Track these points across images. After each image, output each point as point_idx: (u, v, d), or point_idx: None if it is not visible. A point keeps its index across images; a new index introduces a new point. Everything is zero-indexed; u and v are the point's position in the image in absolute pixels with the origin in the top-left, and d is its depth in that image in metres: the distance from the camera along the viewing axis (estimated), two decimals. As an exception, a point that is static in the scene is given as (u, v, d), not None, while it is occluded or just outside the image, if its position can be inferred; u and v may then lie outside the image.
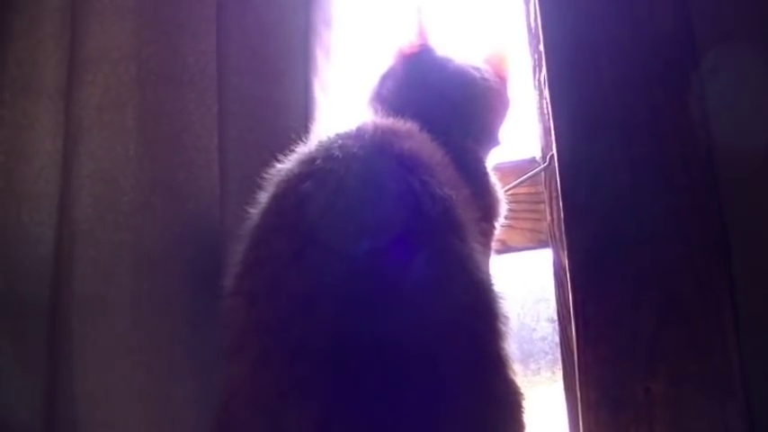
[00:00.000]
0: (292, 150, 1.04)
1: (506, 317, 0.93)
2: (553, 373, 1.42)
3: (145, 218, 1.29)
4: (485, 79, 1.23)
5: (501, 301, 0.94)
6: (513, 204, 1.24)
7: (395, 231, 0.89)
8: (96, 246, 1.27)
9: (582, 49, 1.19)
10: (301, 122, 1.30)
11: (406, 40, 1.23)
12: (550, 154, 1.32)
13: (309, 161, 0.97)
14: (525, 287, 1.49)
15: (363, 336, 0.84)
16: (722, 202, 1.10)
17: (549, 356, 1.45)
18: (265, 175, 1.03)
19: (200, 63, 1.35)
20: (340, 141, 0.97)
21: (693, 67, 1.15)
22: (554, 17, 1.23)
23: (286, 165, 1.01)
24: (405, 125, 1.05)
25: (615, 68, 1.17)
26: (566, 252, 1.17)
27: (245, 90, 1.31)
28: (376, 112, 1.17)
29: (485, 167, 1.20)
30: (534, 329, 1.49)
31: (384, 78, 1.24)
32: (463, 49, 1.29)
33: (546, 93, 1.37)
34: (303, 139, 1.10)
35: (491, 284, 0.94)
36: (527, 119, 1.41)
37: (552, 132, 1.20)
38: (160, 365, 1.25)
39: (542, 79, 1.40)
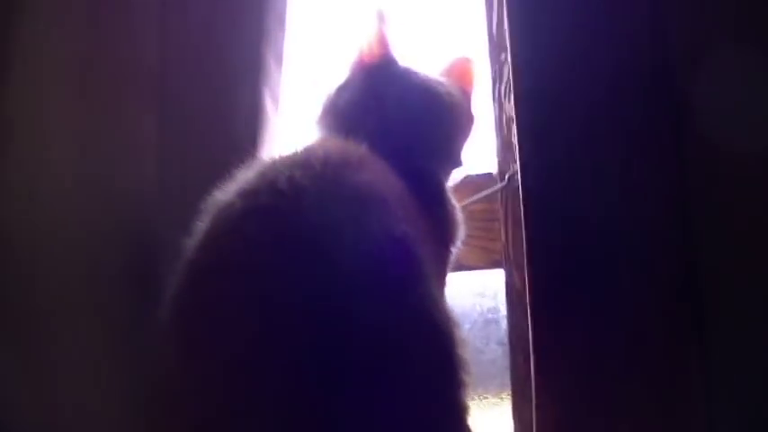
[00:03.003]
0: (232, 175, 0.94)
1: (467, 363, 0.86)
2: (501, 399, 1.37)
3: (75, 219, 1.19)
4: (450, 94, 1.15)
5: (461, 344, 0.87)
6: (466, 221, 1.17)
7: (354, 285, 0.81)
8: (21, 249, 1.17)
9: (555, 64, 1.13)
10: (248, 133, 1.23)
11: (365, 48, 1.14)
12: (510, 173, 1.28)
13: (252, 195, 0.87)
14: (475, 307, 1.44)
15: (318, 403, 0.76)
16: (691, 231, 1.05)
17: (497, 381, 1.40)
18: (202, 205, 0.93)
19: (141, 63, 1.26)
20: (287, 173, 0.87)
21: (667, 75, 1.10)
22: (526, 26, 1.15)
23: (225, 195, 0.90)
24: (357, 152, 0.96)
25: (586, 84, 1.11)
26: (526, 277, 1.11)
27: (187, 96, 1.24)
28: (330, 126, 1.10)
29: (445, 192, 1.13)
30: (483, 352, 1.45)
31: (340, 89, 1.14)
32: (424, 59, 1.22)
33: (507, 106, 1.36)
34: (245, 158, 1.01)
35: (451, 325, 0.87)
36: (484, 132, 1.34)
37: (516, 150, 1.14)
38: (85, 376, 1.16)
39: (503, 91, 1.38)
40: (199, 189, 0.98)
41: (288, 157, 0.93)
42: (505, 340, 1.35)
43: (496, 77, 1.39)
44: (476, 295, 1.43)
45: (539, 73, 1.13)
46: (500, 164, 1.36)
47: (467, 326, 1.35)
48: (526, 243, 1.10)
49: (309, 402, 0.76)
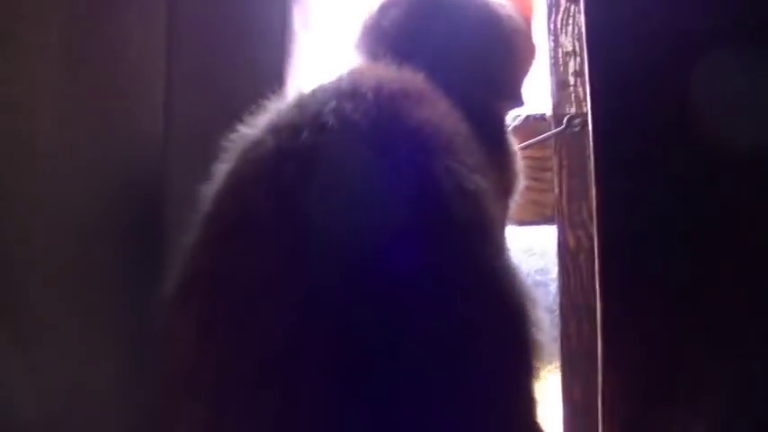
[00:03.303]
0: (261, 106, 0.78)
1: (541, 347, 0.73)
2: (547, 373, 1.23)
3: (67, 162, 1.05)
4: (512, 18, 0.99)
5: (536, 324, 0.73)
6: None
7: (416, 243, 0.66)
8: (2, 197, 1.04)
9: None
10: (275, 57, 1.06)
11: None
12: (568, 115, 1.14)
13: (289, 131, 0.71)
14: (522, 268, 1.28)
15: (370, 386, 0.63)
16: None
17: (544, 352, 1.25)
18: (224, 140, 0.78)
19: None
20: (333, 103, 0.72)
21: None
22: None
23: (254, 130, 0.75)
24: (415, 82, 0.80)
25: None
26: (595, 236, 0.97)
27: (200, 11, 1.08)
28: (372, 51, 0.93)
29: (507, 134, 0.98)
30: None
31: (385, 6, 0.98)
32: None
33: (563, 39, 1.24)
34: (276, 87, 0.88)
35: (526, 302, 0.73)
36: (537, 69, 1.18)
37: (588, 87, 0.97)
38: (79, 347, 1.05)
39: (559, 22, 1.25)
40: (214, 130, 0.84)
41: (331, 85, 0.77)
42: (554, 306, 1.22)
43: (552, 6, 1.25)
44: (522, 252, 1.29)
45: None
46: (555, 105, 1.23)
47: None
48: (596, 196, 0.96)
49: (352, 392, 0.63)
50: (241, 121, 0.79)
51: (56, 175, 1.06)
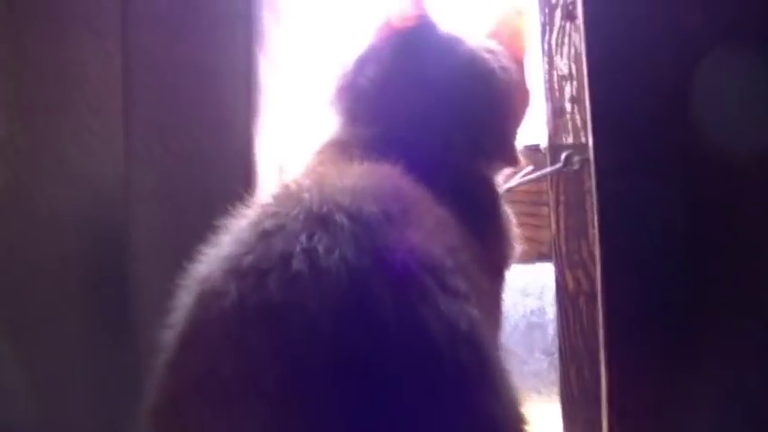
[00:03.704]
0: (224, 219, 0.70)
1: None
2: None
3: (23, 207, 1.02)
4: (504, 69, 0.90)
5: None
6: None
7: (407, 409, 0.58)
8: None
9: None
10: (237, 101, 0.99)
11: (395, 7, 0.89)
12: (566, 152, 1.06)
13: (256, 277, 0.62)
14: (517, 308, 1.23)
15: None
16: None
17: (542, 397, 1.21)
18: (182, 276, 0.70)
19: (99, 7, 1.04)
20: (303, 239, 0.62)
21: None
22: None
23: (213, 267, 0.65)
24: (394, 187, 0.72)
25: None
26: (599, 278, 0.91)
27: (160, 49, 1.00)
28: (347, 111, 0.87)
29: (498, 201, 0.89)
30: (525, 362, 1.26)
31: (363, 61, 0.89)
32: (464, 15, 0.99)
33: (558, 61, 1.16)
34: (232, 132, 0.88)
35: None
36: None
37: (589, 115, 0.92)
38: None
39: (554, 42, 1.17)
40: (179, 171, 0.88)
41: (299, 202, 0.67)
42: (552, 349, 1.19)
43: (546, 24, 1.17)
44: (517, 292, 1.23)
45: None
46: (550, 134, 1.16)
47: (507, 330, 1.14)
48: (599, 238, 0.90)
49: None
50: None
51: (8, 221, 1.03)
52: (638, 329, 0.88)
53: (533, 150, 1.16)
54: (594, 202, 0.91)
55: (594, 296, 0.97)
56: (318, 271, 0.60)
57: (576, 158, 1.01)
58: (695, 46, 0.88)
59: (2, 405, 1.00)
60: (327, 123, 0.89)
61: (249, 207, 0.71)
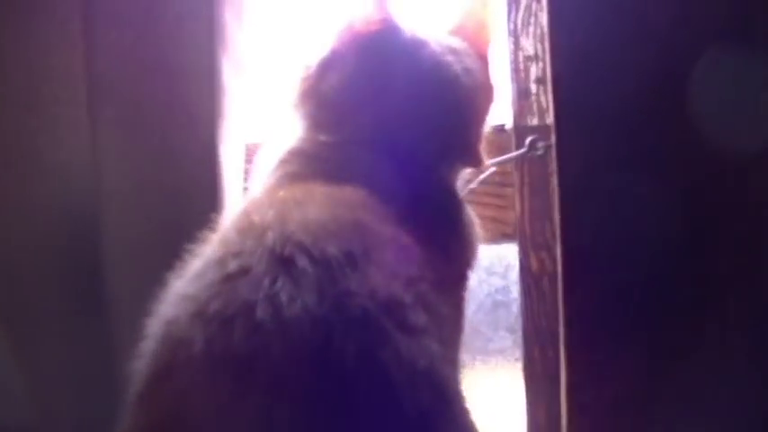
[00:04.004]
0: (190, 253, 0.71)
1: None
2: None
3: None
4: (468, 72, 0.88)
5: None
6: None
7: None
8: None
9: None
10: (201, 106, 0.98)
11: (358, 10, 0.87)
12: (531, 138, 1.06)
13: (221, 325, 0.62)
14: (482, 286, 1.24)
15: None
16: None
17: (506, 373, 1.23)
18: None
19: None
20: (266, 284, 0.63)
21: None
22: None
23: (179, 309, 0.66)
24: (356, 215, 0.72)
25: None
26: (559, 258, 0.93)
27: (124, 49, 0.99)
28: (312, 116, 0.86)
29: (461, 206, 0.89)
30: (491, 339, 1.26)
31: (325, 67, 0.88)
32: (428, 12, 0.98)
33: (524, 41, 1.15)
34: (197, 140, 0.89)
35: None
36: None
37: (552, 98, 0.92)
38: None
39: (519, 22, 1.16)
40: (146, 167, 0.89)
41: (262, 236, 0.67)
42: (516, 327, 1.19)
43: (512, 3, 1.16)
44: (482, 271, 1.23)
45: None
46: (515, 115, 1.15)
47: (472, 308, 1.15)
48: (561, 215, 0.91)
49: None
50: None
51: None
52: (598, 328, 0.90)
53: (498, 131, 1.14)
54: (556, 186, 0.91)
55: (557, 276, 0.97)
56: (282, 320, 0.60)
57: (540, 144, 1.01)
58: (664, 28, 0.89)
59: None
60: (290, 126, 0.87)
61: (215, 234, 0.72)
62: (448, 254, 0.80)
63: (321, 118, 0.84)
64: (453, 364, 0.74)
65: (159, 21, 0.97)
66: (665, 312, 0.89)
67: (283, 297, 0.61)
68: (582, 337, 0.91)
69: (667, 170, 0.89)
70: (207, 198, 0.96)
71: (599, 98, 0.90)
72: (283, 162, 0.84)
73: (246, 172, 1.02)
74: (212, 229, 0.73)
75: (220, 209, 0.97)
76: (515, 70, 1.15)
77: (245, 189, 0.99)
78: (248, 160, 1.03)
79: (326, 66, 0.87)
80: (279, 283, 0.62)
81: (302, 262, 0.63)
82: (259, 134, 1.08)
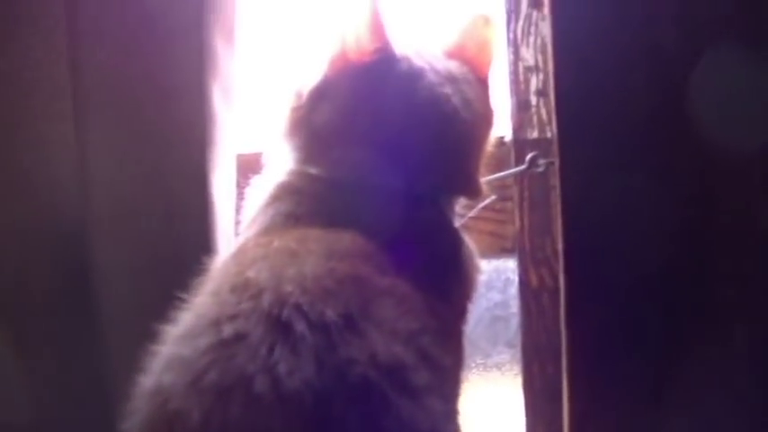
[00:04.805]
0: (176, 306, 0.70)
1: None
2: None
3: None
4: (467, 103, 0.85)
5: None
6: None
7: None
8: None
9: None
10: (192, 135, 0.98)
11: (352, 37, 0.83)
12: (531, 155, 1.05)
13: (217, 399, 0.61)
14: (481, 301, 1.23)
15: None
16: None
17: (505, 388, 1.23)
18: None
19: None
20: (263, 352, 0.62)
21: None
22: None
23: (175, 372, 0.64)
24: (355, 278, 0.70)
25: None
26: (562, 280, 0.91)
27: (111, 66, 0.99)
28: (303, 148, 0.84)
29: (460, 240, 0.86)
30: (489, 355, 1.25)
31: (317, 97, 0.84)
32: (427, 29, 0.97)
33: (524, 52, 1.14)
34: (188, 173, 0.90)
35: None
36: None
37: (555, 110, 0.90)
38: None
39: (519, 31, 1.15)
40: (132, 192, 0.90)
41: (258, 297, 0.66)
42: (515, 342, 1.19)
43: (512, 12, 1.15)
44: (481, 286, 1.21)
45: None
46: (515, 128, 1.14)
47: (471, 324, 1.14)
48: (563, 233, 0.90)
49: None
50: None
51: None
52: (600, 342, 0.89)
53: (498, 144, 1.10)
54: (558, 198, 0.89)
55: (558, 292, 0.96)
56: (281, 394, 0.59)
57: (541, 161, 1.00)
58: (668, 36, 0.87)
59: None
60: (280, 156, 0.86)
61: (207, 282, 0.72)
62: (449, 295, 0.79)
63: (313, 150, 0.82)
64: (454, 415, 0.73)
65: (148, 38, 0.96)
66: (668, 326, 0.88)
67: (282, 368, 0.60)
68: (585, 352, 0.90)
69: (672, 182, 0.88)
70: (197, 215, 0.95)
71: (603, 110, 0.88)
72: (275, 198, 0.82)
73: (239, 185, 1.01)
74: (203, 273, 0.73)
75: (211, 229, 0.96)
76: (515, 81, 1.14)
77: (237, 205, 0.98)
78: (240, 172, 1.03)
79: (318, 96, 0.84)
80: (277, 353, 0.61)
81: (300, 327, 0.62)
82: (250, 145, 1.08)
